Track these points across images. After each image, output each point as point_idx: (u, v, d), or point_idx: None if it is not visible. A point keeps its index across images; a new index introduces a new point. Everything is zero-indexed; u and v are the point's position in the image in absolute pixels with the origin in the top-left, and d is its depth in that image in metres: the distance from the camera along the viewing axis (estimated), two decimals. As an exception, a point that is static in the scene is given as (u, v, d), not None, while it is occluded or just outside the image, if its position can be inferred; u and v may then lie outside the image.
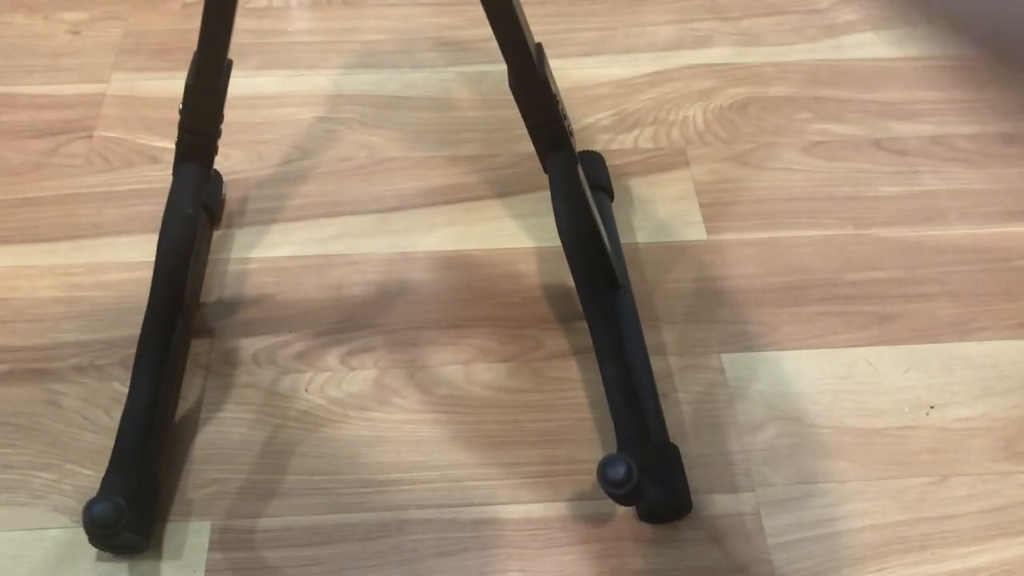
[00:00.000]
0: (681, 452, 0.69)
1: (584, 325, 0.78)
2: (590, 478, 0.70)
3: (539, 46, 0.66)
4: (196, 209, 0.71)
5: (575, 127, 0.91)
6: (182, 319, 0.75)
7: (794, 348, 0.78)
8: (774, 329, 0.79)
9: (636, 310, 0.77)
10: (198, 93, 0.69)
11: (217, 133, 0.73)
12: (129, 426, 0.68)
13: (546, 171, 0.71)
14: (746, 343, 0.78)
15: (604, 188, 0.85)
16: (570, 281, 0.81)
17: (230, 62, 0.69)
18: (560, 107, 0.67)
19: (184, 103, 0.70)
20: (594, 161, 0.87)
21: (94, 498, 0.62)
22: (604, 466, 0.61)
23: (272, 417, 0.73)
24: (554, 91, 0.66)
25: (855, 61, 1.00)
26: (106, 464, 0.67)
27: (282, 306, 0.80)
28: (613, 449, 0.71)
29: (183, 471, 0.70)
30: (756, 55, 1.01)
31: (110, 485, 0.65)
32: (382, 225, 0.85)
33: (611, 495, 0.62)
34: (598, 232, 0.72)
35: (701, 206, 0.87)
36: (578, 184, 0.69)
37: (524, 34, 0.62)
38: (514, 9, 0.61)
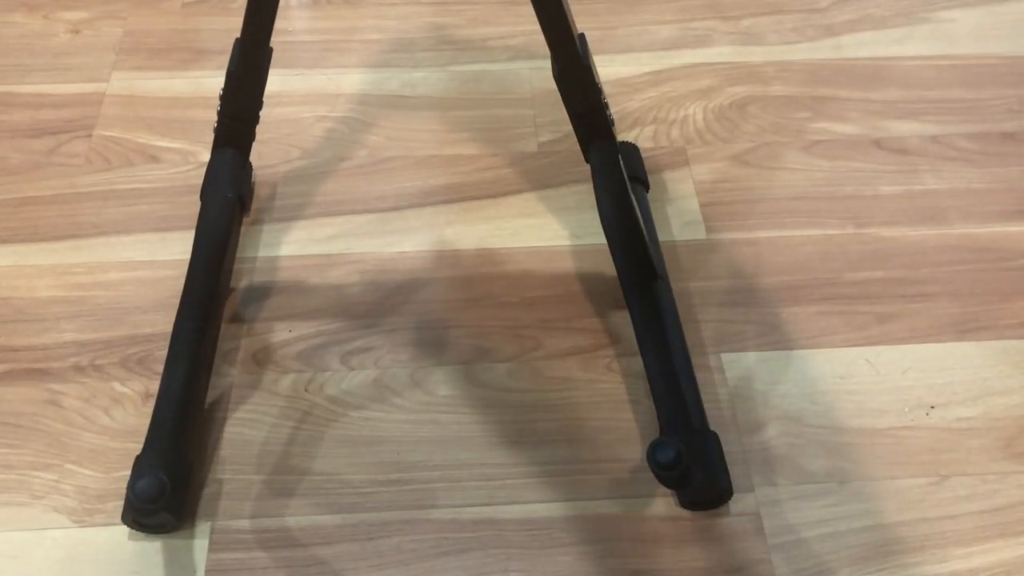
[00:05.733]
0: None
1: (584, 325, 0.78)
2: (592, 478, 0.70)
3: (582, 36, 0.66)
4: (235, 194, 0.72)
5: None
6: (218, 304, 0.75)
7: (794, 348, 0.78)
8: (774, 329, 0.79)
9: (674, 299, 0.77)
10: (239, 79, 0.70)
11: (256, 119, 0.74)
12: (166, 405, 0.68)
13: (587, 160, 0.71)
14: (746, 343, 0.78)
15: (641, 180, 0.85)
16: (571, 281, 0.81)
17: (271, 49, 0.70)
18: (603, 97, 0.67)
19: (225, 89, 0.71)
20: (630, 152, 0.88)
21: (137, 472, 0.62)
22: (654, 449, 0.64)
23: (271, 417, 0.73)
24: (597, 81, 0.66)
25: (855, 60, 1.00)
26: (106, 463, 0.67)
27: (282, 306, 0.79)
28: (614, 449, 0.71)
29: (183, 471, 0.70)
30: (756, 54, 1.01)
31: (148, 462, 0.65)
32: (382, 224, 0.85)
33: (660, 477, 0.64)
34: (638, 222, 0.72)
35: (701, 205, 0.87)
36: (620, 174, 0.69)
37: (569, 23, 0.62)
38: (560, 3, 0.61)
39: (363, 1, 1.05)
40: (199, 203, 0.80)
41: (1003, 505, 0.70)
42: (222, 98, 0.71)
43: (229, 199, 0.70)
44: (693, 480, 0.66)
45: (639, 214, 0.72)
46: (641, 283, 0.74)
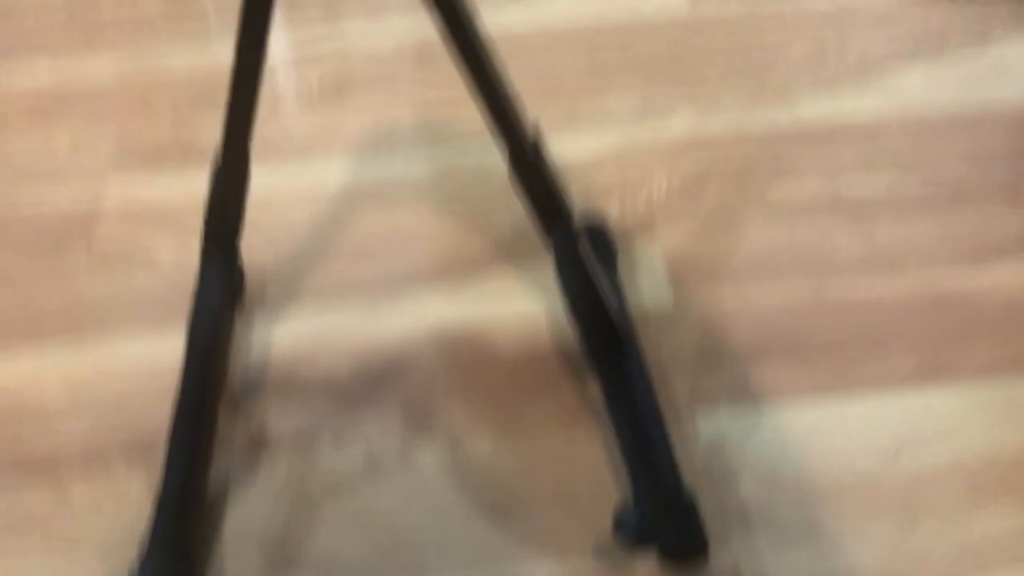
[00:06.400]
0: (659, 512, 0.73)
1: (564, 395, 0.82)
2: (577, 540, 0.73)
3: (536, 125, 0.69)
4: (224, 294, 0.76)
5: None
6: (214, 399, 0.79)
7: (764, 404, 0.81)
8: (744, 387, 0.83)
9: (644, 363, 0.81)
10: (222, 184, 0.74)
11: (241, 220, 0.77)
12: (166, 504, 0.72)
13: (547, 246, 0.75)
14: (718, 402, 0.82)
15: (610, 251, 0.91)
16: (551, 353, 0.86)
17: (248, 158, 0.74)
18: (559, 184, 0.71)
19: (210, 194, 0.75)
20: (599, 224, 0.93)
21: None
22: (616, 518, 0.68)
23: (269, 503, 0.77)
24: (552, 171, 0.69)
25: (810, 121, 1.06)
26: (117, 560, 0.70)
27: (276, 393, 0.84)
28: (597, 511, 0.75)
29: (188, 559, 0.74)
30: (715, 122, 1.06)
31: (151, 564, 0.68)
32: (368, 309, 0.90)
33: (624, 543, 0.68)
34: (601, 301, 0.76)
35: (669, 271, 0.92)
36: (579, 258, 0.73)
37: (519, 121, 0.65)
38: (507, 98, 0.64)
39: (347, 94, 1.11)
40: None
41: (974, 540, 0.73)
42: (207, 202, 0.76)
43: (218, 300, 0.75)
44: (662, 539, 0.69)
45: (603, 291, 0.76)
46: (608, 353, 0.78)
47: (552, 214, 0.72)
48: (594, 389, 0.82)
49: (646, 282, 0.91)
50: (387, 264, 0.94)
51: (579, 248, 0.73)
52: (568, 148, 1.03)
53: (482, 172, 1.01)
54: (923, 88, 1.09)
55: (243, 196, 0.75)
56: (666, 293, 0.90)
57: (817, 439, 0.79)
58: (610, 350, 0.78)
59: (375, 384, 0.84)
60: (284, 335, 0.88)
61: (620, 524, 0.70)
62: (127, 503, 0.76)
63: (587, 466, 0.78)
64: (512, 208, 0.97)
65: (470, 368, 0.85)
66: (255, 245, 0.95)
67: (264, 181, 1.01)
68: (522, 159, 0.68)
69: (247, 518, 0.76)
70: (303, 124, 1.09)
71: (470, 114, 1.05)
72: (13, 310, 0.91)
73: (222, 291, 0.76)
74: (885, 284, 0.90)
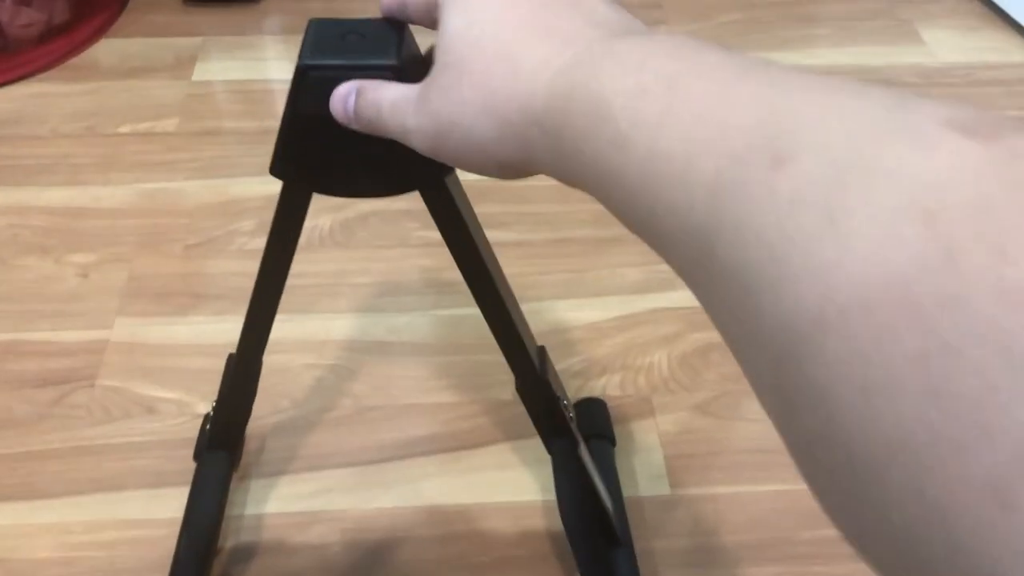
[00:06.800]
0: None
1: (565, 573, 0.83)
2: None
3: (542, 350, 0.72)
4: (222, 502, 0.77)
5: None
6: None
7: (752, 610, 0.82)
8: (733, 589, 0.83)
9: (635, 563, 0.81)
10: (234, 390, 0.75)
11: (245, 424, 0.78)
12: None
13: (548, 452, 0.77)
14: (706, 605, 0.82)
15: (607, 437, 0.91)
16: (542, 539, 0.86)
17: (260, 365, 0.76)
18: (562, 399, 0.73)
19: (218, 400, 0.76)
20: (598, 408, 0.94)
21: None
22: None
23: None
24: (555, 388, 0.71)
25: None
26: None
27: (265, 566, 0.84)
28: None
29: None
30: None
31: None
32: (363, 479, 0.90)
33: None
34: (597, 510, 0.77)
35: (665, 458, 0.92)
36: (579, 468, 0.75)
37: (526, 346, 0.67)
38: (515, 325, 0.66)
39: (353, 242, 1.13)
40: (192, 462, 0.86)
41: None
42: (215, 407, 0.77)
43: (214, 512, 0.76)
44: None
45: (599, 501, 0.77)
46: (599, 557, 0.79)
47: (553, 431, 0.73)
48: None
49: (643, 468, 0.91)
50: (383, 430, 0.94)
51: (579, 460, 0.74)
52: (573, 317, 1.05)
53: (484, 331, 1.03)
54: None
55: (252, 398, 0.77)
56: (663, 481, 0.90)
57: (804, 651, 0.79)
58: (601, 552, 0.78)
59: (363, 563, 0.84)
60: (277, 501, 0.88)
61: None
62: None
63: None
64: (512, 376, 0.98)
65: (459, 552, 0.85)
66: (257, 403, 0.96)
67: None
68: (527, 382, 0.70)
69: None
70: (310, 272, 1.10)
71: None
72: (11, 461, 0.91)
73: (222, 488, 0.77)
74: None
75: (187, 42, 1.45)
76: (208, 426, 0.78)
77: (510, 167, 0.41)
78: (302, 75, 0.52)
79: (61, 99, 1.34)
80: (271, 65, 1.42)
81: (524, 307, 0.71)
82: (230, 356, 0.74)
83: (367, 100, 0.47)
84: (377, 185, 0.57)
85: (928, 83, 1.41)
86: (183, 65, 1.40)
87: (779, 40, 1.50)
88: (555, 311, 1.06)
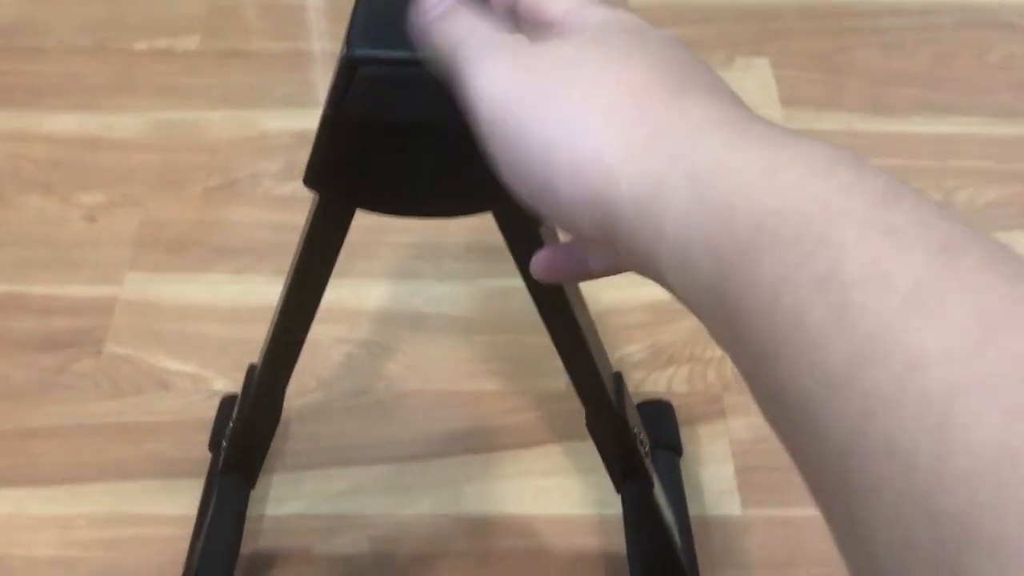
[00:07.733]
0: None
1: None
2: None
3: (618, 376, 0.61)
4: (239, 528, 0.68)
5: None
6: None
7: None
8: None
9: None
10: (254, 414, 0.65)
11: (268, 445, 0.69)
12: None
13: (618, 492, 0.67)
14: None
15: (673, 447, 0.81)
16: (595, 560, 0.77)
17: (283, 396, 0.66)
18: (638, 435, 0.63)
19: (237, 416, 0.66)
20: (664, 414, 0.83)
21: None
22: None
23: None
24: (631, 423, 0.61)
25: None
26: None
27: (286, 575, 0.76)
28: None
29: None
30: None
31: None
32: (397, 478, 0.81)
33: None
34: (671, 548, 0.67)
35: (736, 471, 0.82)
36: (653, 510, 0.65)
37: (600, 374, 0.57)
38: (588, 348, 0.56)
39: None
40: (207, 448, 0.78)
41: None
42: (234, 423, 0.67)
43: (232, 539, 0.67)
44: None
45: (670, 543, 0.67)
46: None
47: (627, 471, 0.63)
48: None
49: (712, 482, 0.81)
50: (420, 420, 0.84)
51: (654, 508, 0.64)
52: (635, 295, 0.93)
53: (534, 308, 0.92)
54: None
55: (274, 427, 0.66)
56: (733, 499, 0.80)
57: None
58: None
59: (398, 573, 0.76)
60: (300, 501, 0.79)
61: None
62: None
63: None
64: (546, 369, 0.88)
65: (504, 567, 0.76)
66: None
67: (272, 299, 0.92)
68: (599, 416, 0.59)
69: None
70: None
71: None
72: (9, 438, 0.83)
73: (238, 516, 0.67)
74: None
75: (211, -58, 1.29)
76: (225, 444, 0.68)
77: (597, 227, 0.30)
78: (350, 69, 0.41)
79: (70, 4, 1.20)
80: (304, -27, 1.27)
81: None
82: (251, 367, 0.64)
83: (451, 27, 0.35)
84: (441, 202, 0.47)
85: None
86: (206, -30, 1.25)
87: None
88: (611, 287, 0.93)
